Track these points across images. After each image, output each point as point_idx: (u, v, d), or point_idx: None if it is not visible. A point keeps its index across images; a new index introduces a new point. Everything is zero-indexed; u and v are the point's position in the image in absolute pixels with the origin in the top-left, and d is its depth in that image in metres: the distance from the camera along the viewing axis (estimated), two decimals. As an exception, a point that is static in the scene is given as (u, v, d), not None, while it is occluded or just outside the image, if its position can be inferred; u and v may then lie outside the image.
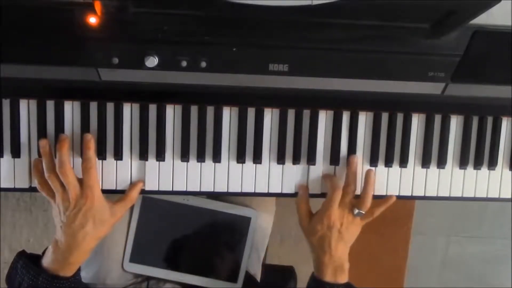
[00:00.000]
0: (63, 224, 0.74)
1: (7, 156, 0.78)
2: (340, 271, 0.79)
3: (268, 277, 0.79)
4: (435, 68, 0.77)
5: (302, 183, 0.82)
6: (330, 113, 0.82)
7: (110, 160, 0.80)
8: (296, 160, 0.82)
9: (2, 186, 0.79)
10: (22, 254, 0.78)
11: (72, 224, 0.73)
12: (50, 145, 0.76)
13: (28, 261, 0.76)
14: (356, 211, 0.79)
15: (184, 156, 0.80)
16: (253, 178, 0.81)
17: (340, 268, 0.79)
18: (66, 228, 0.74)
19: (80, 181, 0.75)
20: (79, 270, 0.77)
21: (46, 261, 0.75)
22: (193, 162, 0.81)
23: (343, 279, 0.79)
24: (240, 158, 0.81)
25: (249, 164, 0.82)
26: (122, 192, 0.81)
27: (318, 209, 0.81)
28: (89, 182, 0.74)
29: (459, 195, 0.86)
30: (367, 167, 0.84)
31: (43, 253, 0.78)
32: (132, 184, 0.80)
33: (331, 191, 0.79)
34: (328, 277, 0.79)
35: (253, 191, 0.82)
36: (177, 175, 0.81)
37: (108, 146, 0.79)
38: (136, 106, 0.79)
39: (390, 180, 0.84)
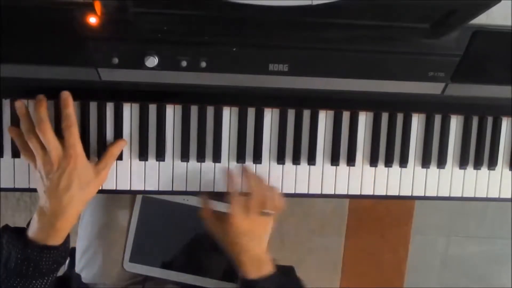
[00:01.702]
0: (46, 189, 0.71)
1: (7, 156, 0.78)
2: (262, 264, 0.78)
3: (289, 280, 0.79)
4: (435, 68, 0.77)
5: (204, 196, 0.81)
6: (330, 113, 0.82)
7: (110, 160, 0.80)
8: (296, 160, 0.82)
9: (2, 186, 0.79)
10: (6, 228, 0.74)
11: (56, 187, 0.70)
12: (26, 106, 0.74)
13: (13, 234, 0.72)
14: (263, 211, 0.77)
15: (184, 156, 0.80)
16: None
17: (261, 261, 0.78)
18: (50, 192, 0.70)
19: (61, 142, 0.71)
20: (68, 237, 0.74)
21: (32, 231, 0.71)
22: (193, 162, 0.81)
23: (268, 269, 0.78)
24: (240, 158, 0.81)
25: (249, 164, 0.82)
26: (122, 192, 0.81)
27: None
28: (70, 141, 0.70)
29: (459, 195, 0.86)
30: (367, 167, 0.84)
31: (28, 224, 0.75)
32: (114, 141, 0.78)
33: (231, 196, 0.78)
34: (253, 274, 0.77)
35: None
36: (177, 175, 0.81)
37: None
38: (136, 106, 0.79)
39: (390, 180, 0.84)
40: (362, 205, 1.35)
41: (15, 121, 0.77)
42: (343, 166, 0.83)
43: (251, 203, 0.77)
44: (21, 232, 0.73)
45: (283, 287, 0.78)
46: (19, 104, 0.73)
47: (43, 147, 0.71)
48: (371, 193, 0.85)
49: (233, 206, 0.77)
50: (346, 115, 0.82)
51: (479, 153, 0.85)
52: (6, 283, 0.69)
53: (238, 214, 0.76)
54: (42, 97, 0.73)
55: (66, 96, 0.73)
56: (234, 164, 0.81)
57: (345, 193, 0.84)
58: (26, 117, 0.73)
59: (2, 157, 0.78)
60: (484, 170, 0.86)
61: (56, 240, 0.71)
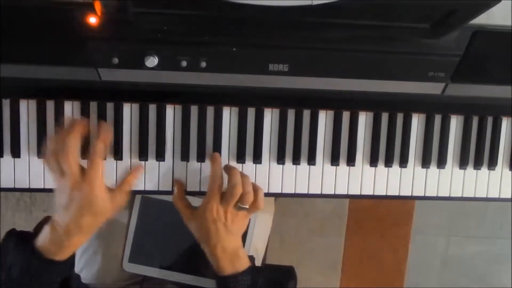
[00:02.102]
0: (64, 206, 0.70)
1: (7, 156, 0.78)
2: (236, 259, 0.77)
3: (264, 276, 0.78)
4: (435, 68, 0.77)
5: (179, 179, 0.81)
6: (330, 113, 0.82)
7: (110, 160, 0.80)
8: (296, 160, 0.82)
9: (2, 186, 0.79)
10: (12, 233, 0.74)
11: (72, 209, 0.70)
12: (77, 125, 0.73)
13: (20, 241, 0.72)
14: (239, 206, 0.77)
15: (184, 156, 0.80)
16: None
17: (236, 257, 0.77)
18: (66, 211, 0.70)
19: (82, 168, 0.72)
20: (73, 254, 0.74)
21: (41, 242, 0.71)
22: (193, 162, 0.81)
23: (243, 265, 0.77)
24: (240, 158, 0.81)
25: (249, 164, 0.82)
26: (122, 192, 0.81)
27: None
28: (91, 171, 0.71)
29: (459, 195, 0.86)
30: (367, 167, 0.84)
31: (35, 229, 0.74)
32: (132, 169, 0.78)
33: (210, 184, 0.77)
34: (228, 270, 0.76)
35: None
36: (177, 175, 0.81)
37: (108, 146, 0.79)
38: (136, 106, 0.79)
39: (390, 180, 0.84)
40: (362, 205, 1.35)
41: (15, 121, 0.77)
42: (343, 166, 0.83)
43: (226, 192, 0.76)
44: (28, 239, 0.72)
45: (259, 282, 0.77)
46: (78, 123, 0.73)
47: (74, 167, 0.71)
48: (371, 193, 0.85)
49: (208, 191, 0.76)
50: (346, 115, 0.82)
51: (479, 153, 0.85)
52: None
53: (211, 199, 0.76)
54: (81, 124, 0.73)
55: (106, 128, 0.74)
56: (234, 164, 0.81)
57: (345, 193, 0.84)
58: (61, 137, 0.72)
59: (2, 157, 0.78)
60: (484, 170, 0.86)
61: (63, 255, 0.71)
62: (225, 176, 0.78)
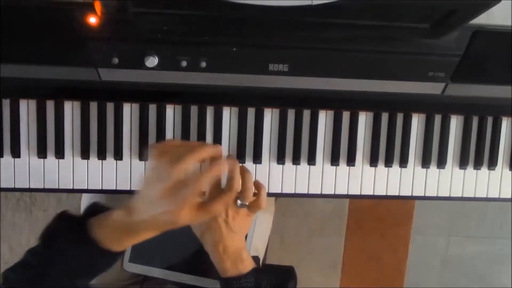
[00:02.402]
0: (155, 202, 0.65)
1: (7, 156, 0.78)
2: (239, 261, 0.76)
3: (268, 277, 0.78)
4: (435, 68, 0.77)
5: None
6: (330, 113, 0.82)
7: (110, 160, 0.80)
8: (296, 160, 0.82)
9: (2, 186, 0.79)
10: (65, 217, 0.68)
11: (156, 210, 0.64)
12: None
13: (76, 229, 0.66)
14: (239, 202, 0.76)
15: (184, 156, 0.80)
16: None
17: (238, 258, 0.76)
18: (154, 208, 0.64)
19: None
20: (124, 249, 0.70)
21: (102, 229, 0.66)
22: (193, 162, 0.81)
23: (246, 267, 0.76)
24: (240, 158, 0.81)
25: (249, 164, 0.82)
26: (122, 192, 0.81)
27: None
28: (216, 207, 0.68)
29: (459, 195, 0.86)
30: (367, 167, 0.84)
31: (85, 214, 0.69)
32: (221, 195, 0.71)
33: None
34: (231, 272, 0.75)
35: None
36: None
37: (108, 146, 0.79)
38: (136, 106, 0.79)
39: (390, 180, 0.84)
40: (362, 205, 1.35)
41: (15, 121, 0.77)
42: (343, 166, 0.83)
43: (227, 188, 0.74)
44: (82, 224, 0.66)
45: (262, 285, 0.77)
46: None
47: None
48: (371, 193, 0.85)
49: (209, 188, 0.75)
50: (346, 115, 0.82)
51: (479, 153, 0.85)
52: (48, 273, 0.65)
53: (211, 196, 0.74)
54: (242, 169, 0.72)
55: (249, 176, 0.73)
56: (234, 164, 0.81)
57: (345, 193, 0.84)
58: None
59: (2, 157, 0.78)
60: (484, 170, 0.86)
61: (122, 246, 0.67)
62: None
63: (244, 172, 0.77)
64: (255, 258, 0.81)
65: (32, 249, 0.67)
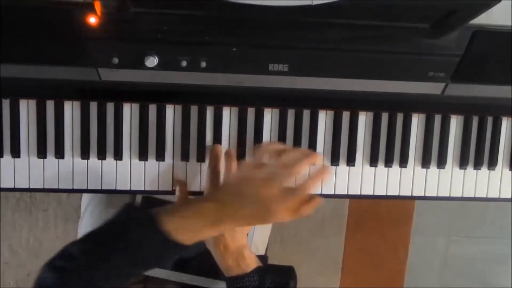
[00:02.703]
0: (247, 200, 0.67)
1: (7, 156, 0.78)
2: (241, 259, 0.75)
3: (272, 276, 0.78)
4: (435, 68, 0.77)
5: (180, 179, 0.80)
6: (330, 113, 0.82)
7: (110, 160, 0.80)
8: (296, 160, 0.82)
9: (2, 186, 0.79)
10: (134, 209, 0.70)
11: (251, 211, 0.67)
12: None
13: (149, 222, 0.65)
14: None
15: (184, 156, 0.80)
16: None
17: (240, 257, 0.76)
18: (245, 206, 0.67)
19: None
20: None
21: (178, 218, 0.66)
22: (193, 162, 0.81)
23: (249, 265, 0.75)
24: (240, 158, 0.81)
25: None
26: (122, 192, 0.81)
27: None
28: (307, 209, 0.69)
29: (459, 195, 0.86)
30: (367, 167, 0.84)
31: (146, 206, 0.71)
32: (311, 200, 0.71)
33: (206, 181, 0.77)
34: (234, 270, 0.75)
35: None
36: (177, 175, 0.81)
37: (108, 146, 0.79)
38: (136, 106, 0.79)
39: (390, 180, 0.84)
40: (362, 205, 1.35)
41: (15, 121, 0.77)
42: (343, 166, 0.83)
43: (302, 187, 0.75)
44: (153, 217, 0.66)
45: (266, 283, 0.77)
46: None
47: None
48: (371, 193, 0.85)
49: (206, 187, 0.76)
50: (346, 115, 0.82)
51: (479, 153, 0.85)
52: (118, 263, 0.65)
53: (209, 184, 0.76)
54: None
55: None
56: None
57: (345, 193, 0.84)
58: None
59: (2, 157, 0.78)
60: (484, 170, 0.86)
61: (195, 239, 0.68)
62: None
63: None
64: (263, 257, 0.81)
65: (95, 236, 0.67)
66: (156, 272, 0.91)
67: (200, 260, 0.92)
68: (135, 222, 0.66)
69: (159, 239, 0.64)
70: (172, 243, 0.65)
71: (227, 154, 0.79)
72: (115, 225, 0.67)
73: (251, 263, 0.76)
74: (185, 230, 0.66)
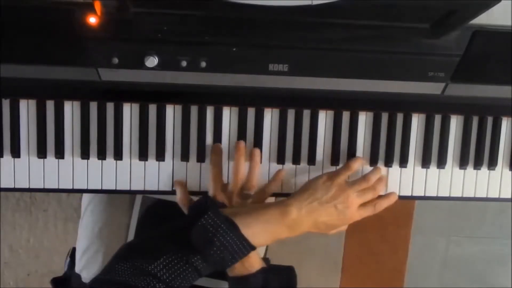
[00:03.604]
0: (330, 206, 0.75)
1: (7, 156, 0.78)
2: (245, 259, 0.73)
3: (276, 278, 0.77)
4: (435, 68, 0.77)
5: (180, 180, 0.81)
6: (330, 113, 0.82)
7: (110, 160, 0.80)
8: (296, 160, 0.82)
9: (2, 186, 0.79)
10: (213, 209, 0.71)
11: (331, 217, 0.75)
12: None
13: (231, 226, 0.69)
14: (244, 192, 0.77)
15: (184, 156, 0.80)
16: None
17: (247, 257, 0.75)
18: (327, 215, 0.75)
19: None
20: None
21: (255, 223, 0.70)
22: (193, 162, 0.81)
23: (253, 265, 0.75)
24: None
25: (249, 164, 0.81)
26: (122, 192, 0.81)
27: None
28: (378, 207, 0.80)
29: (459, 195, 0.86)
30: (367, 167, 0.84)
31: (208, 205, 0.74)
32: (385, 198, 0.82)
33: (210, 174, 0.78)
34: (238, 270, 0.74)
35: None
36: (177, 175, 0.81)
37: (108, 146, 0.79)
38: (136, 106, 0.79)
39: (390, 180, 0.84)
40: (362, 205, 1.34)
41: (15, 121, 0.77)
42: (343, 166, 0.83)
43: (232, 181, 0.77)
44: (230, 220, 0.69)
45: (270, 284, 0.76)
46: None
47: None
48: (371, 193, 0.84)
49: (209, 185, 0.77)
50: (346, 115, 0.82)
51: (479, 153, 0.85)
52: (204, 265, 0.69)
53: (212, 189, 0.77)
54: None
55: (256, 165, 0.79)
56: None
57: (345, 193, 0.84)
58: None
59: (2, 157, 0.78)
60: (484, 170, 0.86)
61: (266, 242, 0.73)
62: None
63: (251, 161, 0.77)
64: (266, 260, 0.81)
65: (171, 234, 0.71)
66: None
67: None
68: (219, 227, 0.68)
69: (241, 243, 0.69)
70: (251, 247, 0.70)
71: (237, 146, 0.80)
72: (195, 227, 0.69)
73: (255, 264, 0.76)
74: (265, 234, 0.71)
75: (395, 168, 0.84)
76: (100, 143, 0.79)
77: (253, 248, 0.70)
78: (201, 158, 0.80)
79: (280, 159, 0.82)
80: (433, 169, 0.85)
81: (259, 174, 0.79)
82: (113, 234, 0.91)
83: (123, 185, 0.81)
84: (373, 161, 0.83)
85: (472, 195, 0.86)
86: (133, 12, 0.70)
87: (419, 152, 0.84)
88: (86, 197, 0.98)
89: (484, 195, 0.86)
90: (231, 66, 0.75)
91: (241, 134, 0.81)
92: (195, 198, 0.80)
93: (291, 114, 0.81)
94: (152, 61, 0.73)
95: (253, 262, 0.75)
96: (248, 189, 0.77)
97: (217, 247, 0.68)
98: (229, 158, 0.81)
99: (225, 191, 0.77)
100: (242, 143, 0.80)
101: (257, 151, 0.80)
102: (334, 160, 0.83)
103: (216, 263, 0.69)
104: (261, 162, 0.81)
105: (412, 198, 0.86)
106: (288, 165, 0.82)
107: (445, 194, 0.86)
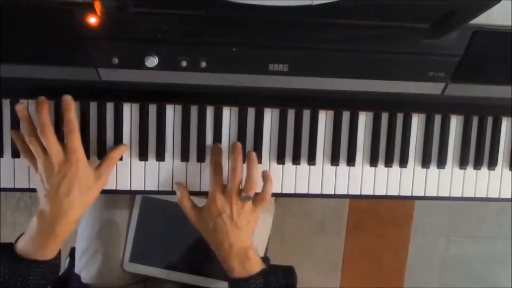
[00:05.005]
0: (47, 192, 0.71)
1: (7, 156, 0.78)
2: (246, 260, 0.75)
3: (277, 279, 0.77)
4: (435, 68, 0.77)
5: (179, 183, 0.81)
6: (330, 113, 0.82)
7: (110, 160, 0.80)
8: (296, 160, 0.82)
9: (2, 186, 0.79)
10: None
11: (57, 191, 0.70)
12: (27, 108, 0.74)
13: (1, 249, 0.72)
14: (243, 194, 0.76)
15: (184, 156, 0.80)
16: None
17: (245, 257, 0.75)
18: (50, 196, 0.70)
19: (63, 146, 0.72)
20: (59, 253, 0.74)
21: (27, 239, 0.71)
22: (193, 162, 0.81)
23: (254, 267, 0.75)
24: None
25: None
26: (122, 192, 0.81)
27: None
28: (72, 146, 0.71)
29: (459, 195, 0.86)
30: (367, 167, 0.84)
31: (17, 239, 0.75)
32: (115, 146, 0.78)
33: (211, 175, 0.78)
34: (237, 272, 0.74)
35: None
36: (177, 175, 0.81)
37: (108, 146, 0.79)
38: (136, 106, 0.79)
39: (390, 180, 0.84)
40: (362, 205, 1.35)
41: (15, 121, 0.77)
42: (343, 166, 0.83)
43: (230, 178, 0.76)
44: (9, 246, 0.73)
45: (271, 286, 0.76)
46: (20, 106, 0.73)
47: (44, 151, 0.71)
48: (371, 193, 0.85)
49: (210, 182, 0.77)
50: (346, 115, 0.82)
51: (479, 153, 0.85)
52: None
53: (213, 189, 0.76)
54: (44, 99, 0.73)
55: (68, 100, 0.73)
56: (234, 164, 0.81)
57: (345, 193, 0.84)
58: (28, 119, 0.73)
59: (2, 157, 0.78)
60: (484, 170, 0.86)
61: (48, 251, 0.72)
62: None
63: (249, 163, 0.77)
64: (264, 259, 0.80)
65: None
66: (156, 272, 0.91)
67: (201, 260, 0.92)
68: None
69: (17, 263, 0.70)
70: (30, 262, 0.70)
71: (234, 146, 0.79)
72: None
73: (256, 265, 0.76)
74: (31, 248, 0.71)
75: (395, 168, 0.84)
76: (100, 143, 0.79)
77: (34, 261, 0.71)
78: (201, 158, 0.80)
79: (280, 159, 0.82)
80: (433, 169, 0.85)
81: (258, 176, 0.79)
82: (112, 235, 0.91)
83: (123, 185, 0.80)
84: (373, 161, 0.83)
85: (472, 195, 0.86)
86: (133, 12, 0.70)
87: (419, 152, 0.84)
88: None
89: (484, 195, 0.86)
90: (231, 66, 0.75)
91: (241, 134, 0.81)
92: (195, 198, 0.81)
93: (291, 114, 0.81)
94: (152, 61, 0.73)
95: (254, 264, 0.75)
96: (247, 192, 0.77)
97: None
98: (229, 158, 0.81)
99: (224, 192, 0.77)
100: (238, 144, 0.79)
101: (253, 153, 0.79)
102: (334, 160, 0.83)
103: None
104: (260, 162, 0.81)
105: (412, 198, 0.86)
106: (288, 165, 0.82)
107: (445, 194, 0.86)
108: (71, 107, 0.72)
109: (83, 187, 0.72)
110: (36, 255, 0.71)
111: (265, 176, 0.79)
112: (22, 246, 0.72)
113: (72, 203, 0.71)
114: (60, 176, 0.70)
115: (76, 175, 0.71)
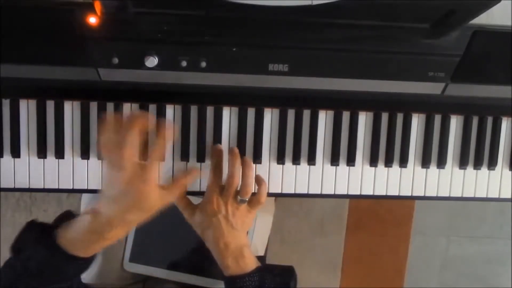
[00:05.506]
0: (114, 198, 0.69)
1: (7, 156, 0.78)
2: (241, 258, 0.75)
3: (272, 277, 0.78)
4: (435, 68, 0.77)
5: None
6: (330, 113, 0.82)
7: (110, 160, 0.79)
8: (296, 160, 0.82)
9: (2, 186, 0.79)
10: (33, 225, 0.72)
11: (123, 202, 0.68)
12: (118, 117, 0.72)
13: (43, 235, 0.70)
14: (239, 198, 0.77)
15: (184, 156, 0.80)
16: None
17: (240, 255, 0.76)
18: (115, 204, 0.68)
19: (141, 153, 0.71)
20: (95, 255, 0.73)
21: (67, 236, 0.69)
22: (192, 162, 0.81)
23: (248, 265, 0.76)
24: (240, 158, 0.81)
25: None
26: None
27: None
28: (151, 169, 0.70)
29: (459, 195, 0.86)
30: (367, 167, 0.84)
31: (55, 222, 0.73)
32: (186, 171, 0.78)
33: (210, 176, 0.78)
34: (234, 270, 0.75)
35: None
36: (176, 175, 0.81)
37: (108, 146, 0.79)
38: (136, 106, 0.79)
39: (390, 180, 0.84)
40: (362, 205, 1.34)
41: (15, 121, 0.77)
42: (343, 166, 0.83)
43: (227, 184, 0.77)
44: (49, 232, 0.70)
45: (266, 283, 0.77)
46: (138, 117, 0.71)
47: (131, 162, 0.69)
48: (371, 193, 0.85)
49: (208, 183, 0.77)
50: (346, 115, 0.82)
51: (479, 153, 0.85)
52: (20, 280, 0.68)
53: (210, 190, 0.77)
54: (141, 117, 0.70)
55: (168, 127, 0.71)
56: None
57: (345, 193, 0.84)
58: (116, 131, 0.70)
59: (2, 157, 0.78)
60: (484, 170, 0.86)
61: (91, 251, 0.70)
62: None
63: (245, 167, 0.77)
64: (261, 258, 0.81)
65: (7, 261, 0.70)
66: (156, 272, 0.91)
67: (200, 260, 0.92)
68: (32, 240, 0.69)
69: (54, 254, 0.68)
70: (67, 257, 0.68)
71: (231, 151, 0.79)
72: (15, 246, 0.70)
73: (251, 263, 0.76)
74: (74, 244, 0.69)
75: (395, 168, 0.84)
76: (99, 143, 0.78)
77: (71, 257, 0.69)
78: (201, 158, 0.80)
79: (280, 159, 0.82)
80: (433, 169, 0.85)
81: (253, 180, 0.79)
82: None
83: (123, 185, 0.80)
84: (373, 161, 0.83)
85: (472, 195, 0.86)
86: (133, 12, 0.70)
87: (419, 152, 0.84)
88: (86, 197, 0.98)
89: (484, 195, 0.86)
90: (231, 66, 0.75)
91: (241, 134, 0.81)
92: (193, 198, 0.81)
93: (291, 114, 0.81)
94: (152, 61, 0.73)
95: (248, 262, 0.76)
96: (243, 196, 0.77)
97: (28, 259, 0.68)
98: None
99: (221, 194, 0.77)
100: (236, 149, 0.79)
101: (248, 159, 0.79)
102: (334, 160, 0.83)
103: (38, 275, 0.68)
104: (260, 162, 0.81)
105: (412, 198, 0.86)
106: (288, 165, 0.82)
107: (445, 194, 0.86)
108: (167, 135, 0.72)
109: (146, 207, 0.70)
110: (77, 251, 0.69)
111: (258, 180, 0.79)
112: (64, 238, 0.69)
113: (132, 218, 0.70)
114: (131, 190, 0.68)
115: (142, 195, 0.69)
